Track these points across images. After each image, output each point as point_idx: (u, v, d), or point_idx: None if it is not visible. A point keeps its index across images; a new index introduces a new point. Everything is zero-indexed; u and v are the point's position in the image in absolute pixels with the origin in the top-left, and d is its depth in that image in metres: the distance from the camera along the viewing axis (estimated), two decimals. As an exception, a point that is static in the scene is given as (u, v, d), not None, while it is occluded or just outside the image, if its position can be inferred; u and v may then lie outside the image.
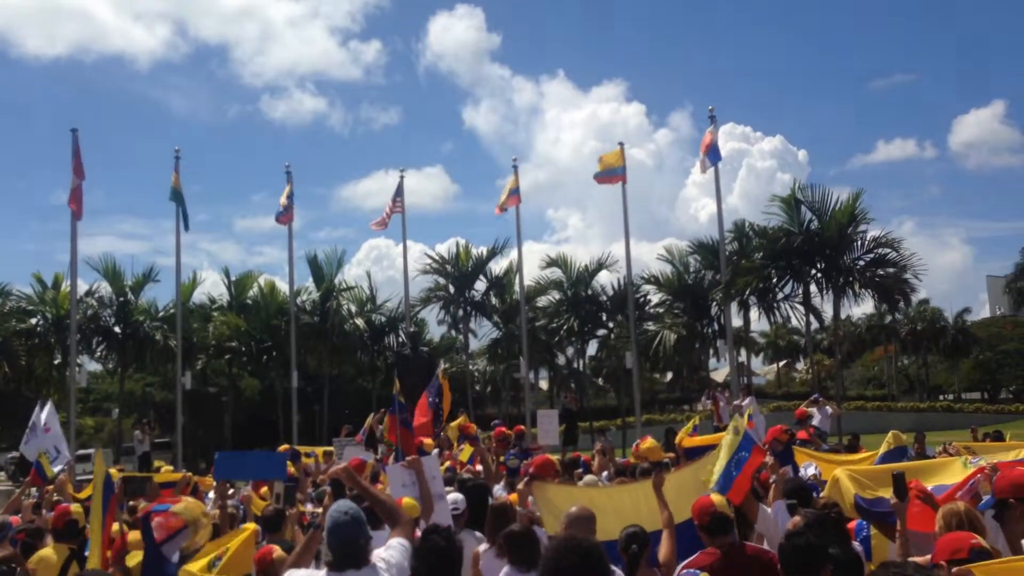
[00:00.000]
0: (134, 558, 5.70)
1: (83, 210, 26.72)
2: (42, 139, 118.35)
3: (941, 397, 62.33)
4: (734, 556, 5.23)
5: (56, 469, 13.62)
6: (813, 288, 29.42)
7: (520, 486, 7.32)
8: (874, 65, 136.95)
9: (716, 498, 5.62)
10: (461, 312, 39.91)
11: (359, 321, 40.14)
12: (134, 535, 6.01)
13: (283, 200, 32.02)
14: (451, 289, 39.51)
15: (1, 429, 41.76)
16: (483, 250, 39.36)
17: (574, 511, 5.79)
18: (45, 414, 14.08)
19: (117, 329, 36.45)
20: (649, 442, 12.46)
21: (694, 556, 5.41)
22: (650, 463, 10.31)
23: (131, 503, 10.10)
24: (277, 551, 6.26)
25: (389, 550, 4.51)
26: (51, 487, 12.75)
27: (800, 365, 73.95)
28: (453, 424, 18.60)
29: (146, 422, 27.70)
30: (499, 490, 8.85)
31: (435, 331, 45.50)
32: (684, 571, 4.99)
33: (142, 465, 23.28)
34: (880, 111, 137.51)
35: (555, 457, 12.88)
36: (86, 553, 6.61)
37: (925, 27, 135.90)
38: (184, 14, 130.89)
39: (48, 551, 6.20)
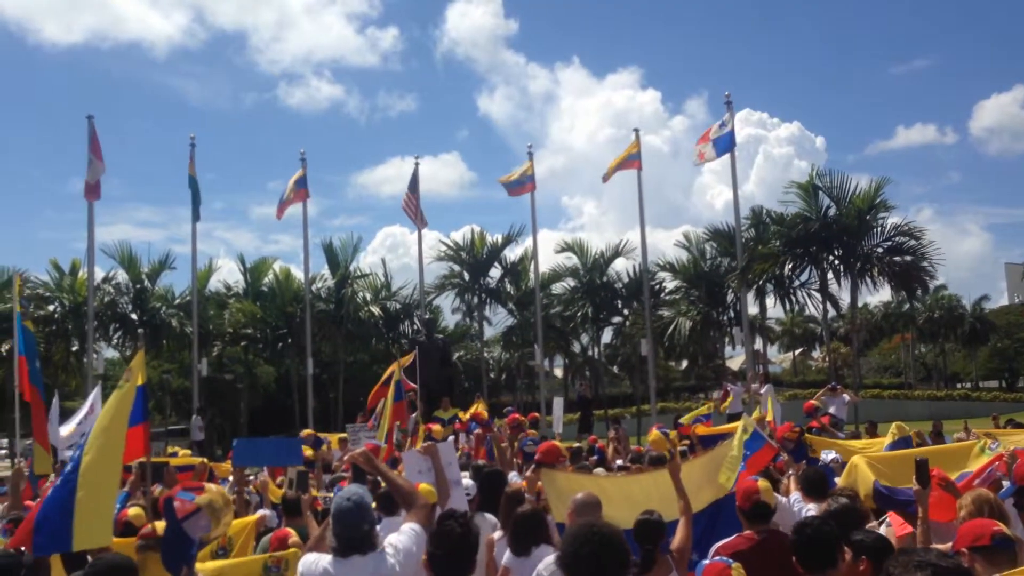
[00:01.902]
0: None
1: (100, 192, 26.97)
2: (59, 127, 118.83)
3: (959, 385, 62.02)
4: (771, 542, 5.23)
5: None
6: (830, 275, 29.26)
7: (528, 473, 7.32)
8: (894, 50, 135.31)
9: (762, 484, 5.63)
10: (476, 299, 39.86)
11: (374, 308, 40.18)
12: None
13: (290, 186, 31.76)
14: (466, 276, 39.45)
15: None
16: (498, 237, 39.27)
17: (580, 497, 5.81)
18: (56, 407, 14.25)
19: (134, 316, 36.64)
20: (654, 434, 12.51)
21: (731, 538, 5.44)
22: (657, 454, 10.31)
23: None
24: (293, 536, 6.32)
25: (400, 535, 4.52)
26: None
27: (816, 353, 73.58)
28: (469, 410, 18.68)
29: (199, 409, 28.28)
30: (514, 477, 8.83)
31: (450, 319, 45.60)
32: (716, 556, 4.98)
33: (203, 451, 23.56)
34: (900, 97, 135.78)
35: (566, 444, 12.89)
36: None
37: (946, 11, 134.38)
38: (201, 1, 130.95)
39: None
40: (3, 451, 51.19)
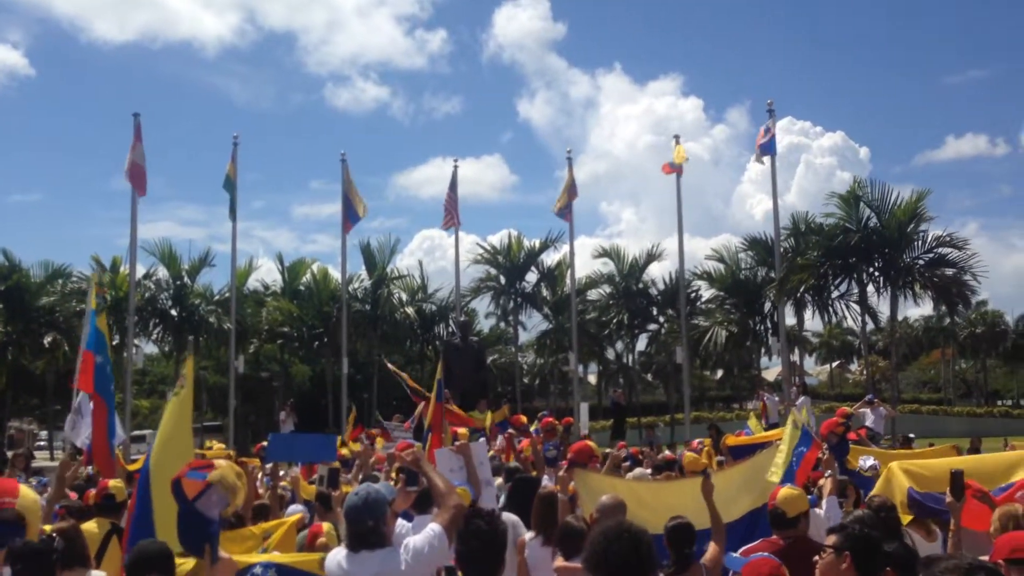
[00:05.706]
0: None
1: (145, 184, 27.36)
2: (106, 125, 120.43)
3: (999, 403, 60.87)
4: (797, 548, 5.17)
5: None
6: (870, 287, 28.91)
7: (560, 473, 7.35)
8: (946, 60, 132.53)
9: (784, 491, 5.62)
10: (511, 303, 39.96)
11: (410, 310, 40.39)
12: None
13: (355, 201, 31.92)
14: (502, 280, 39.57)
15: (61, 409, 42.87)
16: (535, 242, 39.40)
17: (606, 500, 5.85)
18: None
19: (173, 312, 37.11)
20: (689, 456, 12.45)
21: (756, 543, 5.45)
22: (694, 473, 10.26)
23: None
24: (326, 528, 6.45)
25: (419, 535, 4.54)
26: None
27: (854, 366, 72.75)
28: (496, 415, 18.58)
29: (291, 403, 28.69)
30: (547, 480, 8.83)
31: (484, 323, 45.68)
32: (753, 555, 4.91)
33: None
34: (952, 107, 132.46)
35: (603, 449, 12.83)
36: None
37: (1000, 22, 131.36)
38: (254, 1, 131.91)
39: (91, 524, 6.32)
40: (43, 443, 52.21)
